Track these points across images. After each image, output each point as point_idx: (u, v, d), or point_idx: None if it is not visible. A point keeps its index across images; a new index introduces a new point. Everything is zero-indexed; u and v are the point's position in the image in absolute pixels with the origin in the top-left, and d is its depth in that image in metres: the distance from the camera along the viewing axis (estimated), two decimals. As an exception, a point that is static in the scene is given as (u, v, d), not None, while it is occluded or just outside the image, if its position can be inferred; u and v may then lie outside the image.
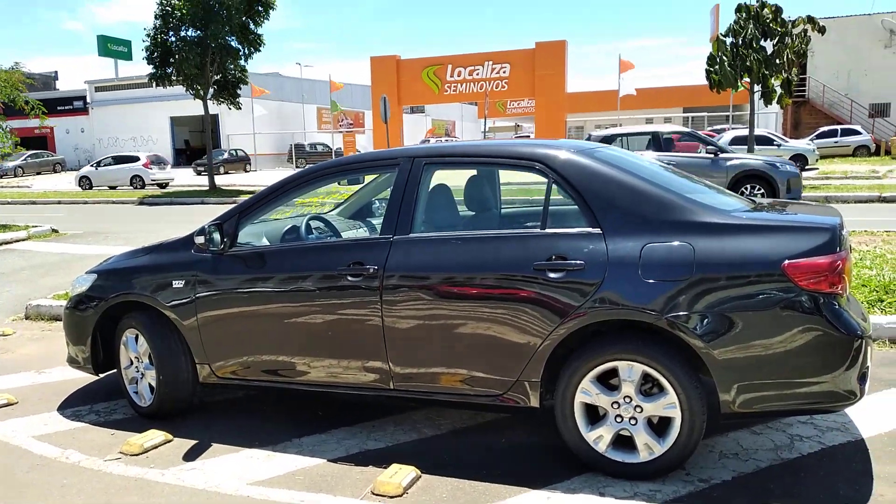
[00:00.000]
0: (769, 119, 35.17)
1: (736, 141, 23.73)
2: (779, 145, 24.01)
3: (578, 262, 3.16)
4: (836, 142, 29.01)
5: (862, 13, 33.19)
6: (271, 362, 3.82)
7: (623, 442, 3.20)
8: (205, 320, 3.90)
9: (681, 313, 3.01)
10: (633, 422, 3.15)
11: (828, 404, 3.05)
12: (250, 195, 4.33)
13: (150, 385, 4.10)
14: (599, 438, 3.20)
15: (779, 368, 2.98)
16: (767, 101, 18.12)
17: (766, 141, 23.99)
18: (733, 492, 3.05)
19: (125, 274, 4.24)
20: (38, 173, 41.67)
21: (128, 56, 49.68)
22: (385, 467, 3.32)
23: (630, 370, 3.11)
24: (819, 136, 28.96)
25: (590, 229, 3.21)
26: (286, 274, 3.76)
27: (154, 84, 22.65)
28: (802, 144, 24.85)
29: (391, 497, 3.09)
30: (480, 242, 3.47)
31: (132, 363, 4.19)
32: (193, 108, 33.48)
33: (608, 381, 3.18)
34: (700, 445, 3.41)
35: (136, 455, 3.65)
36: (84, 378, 4.89)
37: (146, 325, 4.06)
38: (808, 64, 32.63)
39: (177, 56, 21.36)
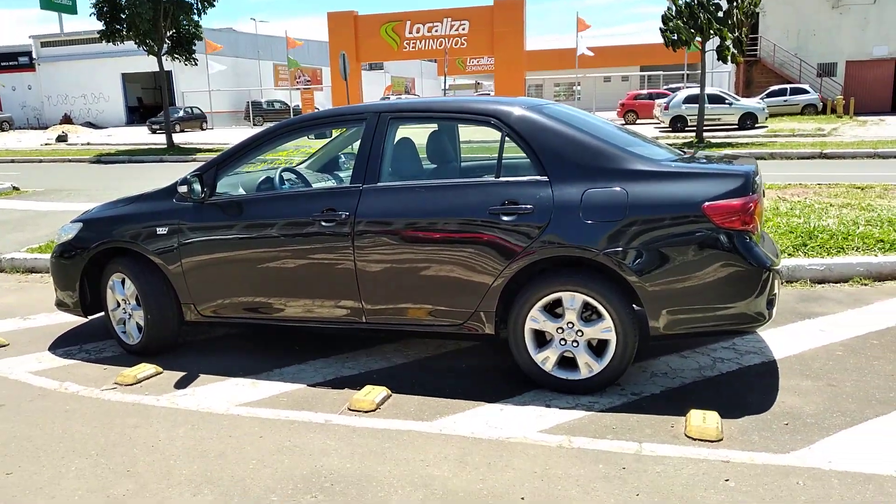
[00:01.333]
0: (723, 78, 35.95)
1: (690, 99, 24.41)
2: (730, 104, 24.76)
3: (528, 206, 3.58)
4: (785, 100, 29.87)
5: (812, -26, 33.85)
6: (252, 302, 4.19)
7: (567, 362, 3.68)
8: (189, 264, 4.23)
9: (616, 250, 3.46)
10: (575, 344, 3.62)
11: (741, 325, 3.56)
12: (209, 153, 4.63)
13: (137, 325, 4.44)
14: (546, 359, 3.67)
15: (700, 296, 3.47)
16: (722, 59, 18.69)
17: (718, 99, 24.70)
18: (659, 401, 3.57)
19: (110, 222, 4.52)
20: (-15, 132, 40.44)
21: (72, 9, 47.65)
22: (359, 389, 3.76)
23: (572, 300, 3.57)
24: (769, 95, 29.79)
25: (538, 177, 3.63)
26: (264, 220, 4.10)
27: (105, 41, 22.21)
28: (753, 103, 25.62)
29: (366, 412, 3.53)
30: (442, 190, 3.87)
31: (119, 305, 4.52)
32: (146, 64, 32.78)
33: (554, 310, 3.64)
34: (635, 368, 3.94)
35: (131, 385, 4.01)
36: (69, 322, 5.20)
37: (133, 269, 4.37)
38: (759, 24, 33.32)
39: (127, 11, 20.95)
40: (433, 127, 4.58)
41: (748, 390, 3.68)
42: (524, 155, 3.76)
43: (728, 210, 3.40)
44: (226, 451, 3.21)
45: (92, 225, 4.60)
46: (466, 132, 4.73)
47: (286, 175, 4.71)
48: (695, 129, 20.63)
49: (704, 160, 3.95)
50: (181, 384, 4.01)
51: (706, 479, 2.84)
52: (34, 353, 4.63)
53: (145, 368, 4.16)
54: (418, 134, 4.51)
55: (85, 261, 4.52)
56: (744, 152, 16.18)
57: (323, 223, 3.92)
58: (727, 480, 2.82)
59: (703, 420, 3.26)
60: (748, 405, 3.49)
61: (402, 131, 4.34)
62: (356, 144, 4.22)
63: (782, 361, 4.04)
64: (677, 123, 24.80)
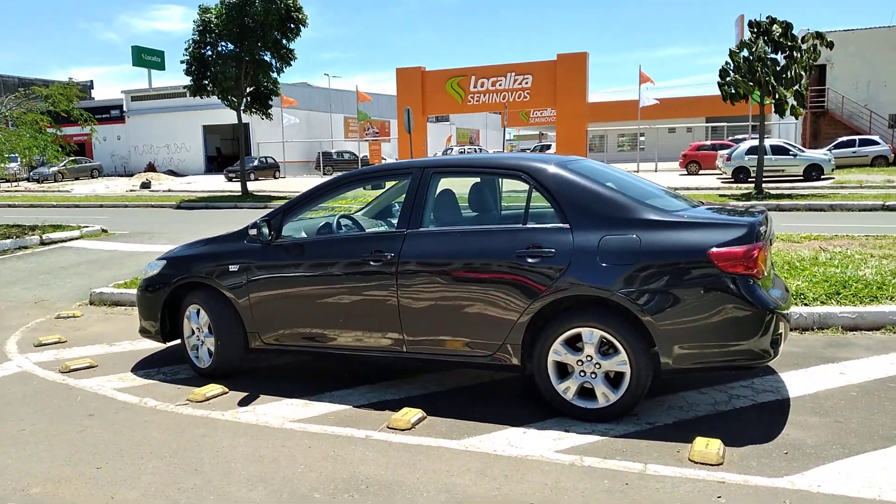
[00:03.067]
0: (790, 129, 35.59)
1: (753, 150, 24.31)
2: (794, 155, 24.56)
3: (550, 250, 4.01)
4: (853, 151, 29.34)
5: (882, 25, 33.49)
6: (309, 332, 4.72)
7: (586, 392, 4.04)
8: (256, 298, 4.81)
9: (629, 290, 3.84)
10: (593, 376, 3.99)
11: (747, 362, 3.86)
12: (280, 200, 5.25)
13: (208, 350, 5.03)
14: (567, 389, 4.04)
15: (707, 334, 3.80)
16: (780, 113, 18.75)
17: (782, 151, 24.59)
18: (670, 430, 3.88)
19: (190, 260, 5.17)
20: (77, 178, 43.39)
21: (160, 66, 51.47)
22: (398, 410, 4.20)
23: (591, 335, 3.95)
24: (837, 146, 29.31)
25: (560, 224, 4.07)
26: (321, 260, 4.65)
27: (192, 95, 23.93)
28: (818, 154, 25.31)
29: (402, 430, 3.97)
30: (475, 235, 4.34)
31: (194, 333, 5.12)
32: (225, 116, 34.82)
33: (574, 344, 4.02)
34: (653, 401, 4.25)
35: (200, 402, 4.57)
36: (149, 349, 5.85)
37: (207, 301, 4.98)
38: (827, 75, 33.05)
39: (213, 69, 22.59)
40: (476, 179, 5.08)
41: (756, 423, 3.95)
42: (548, 204, 4.21)
43: (731, 256, 3.75)
44: (279, 457, 3.70)
45: (174, 262, 5.26)
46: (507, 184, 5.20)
47: (342, 221, 5.27)
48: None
49: (715, 211, 4.31)
50: (244, 402, 4.54)
51: (700, 496, 3.14)
52: (119, 374, 5.26)
53: (213, 388, 4.72)
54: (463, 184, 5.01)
55: (166, 293, 5.17)
56: (801, 203, 16.14)
57: (371, 263, 4.44)
58: (719, 497, 3.12)
59: (706, 446, 3.56)
60: (753, 436, 3.76)
61: (445, 183, 4.85)
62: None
63: (796, 399, 4.28)
64: (740, 174, 24.72)
